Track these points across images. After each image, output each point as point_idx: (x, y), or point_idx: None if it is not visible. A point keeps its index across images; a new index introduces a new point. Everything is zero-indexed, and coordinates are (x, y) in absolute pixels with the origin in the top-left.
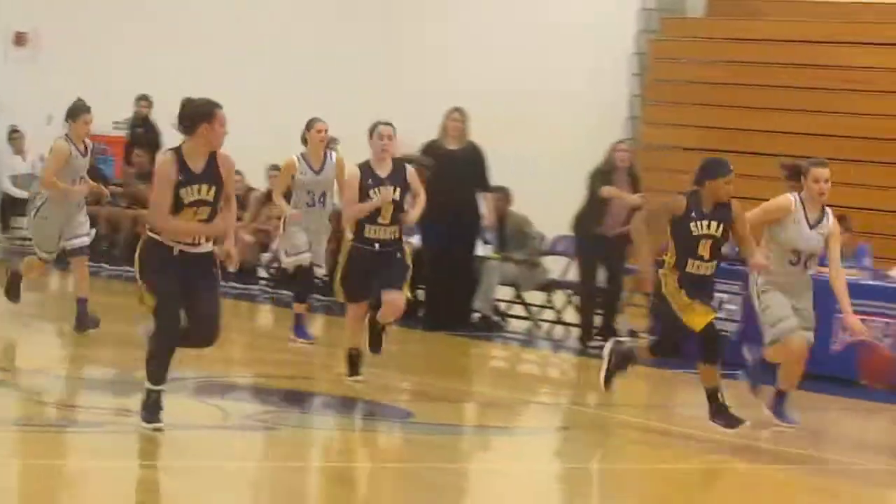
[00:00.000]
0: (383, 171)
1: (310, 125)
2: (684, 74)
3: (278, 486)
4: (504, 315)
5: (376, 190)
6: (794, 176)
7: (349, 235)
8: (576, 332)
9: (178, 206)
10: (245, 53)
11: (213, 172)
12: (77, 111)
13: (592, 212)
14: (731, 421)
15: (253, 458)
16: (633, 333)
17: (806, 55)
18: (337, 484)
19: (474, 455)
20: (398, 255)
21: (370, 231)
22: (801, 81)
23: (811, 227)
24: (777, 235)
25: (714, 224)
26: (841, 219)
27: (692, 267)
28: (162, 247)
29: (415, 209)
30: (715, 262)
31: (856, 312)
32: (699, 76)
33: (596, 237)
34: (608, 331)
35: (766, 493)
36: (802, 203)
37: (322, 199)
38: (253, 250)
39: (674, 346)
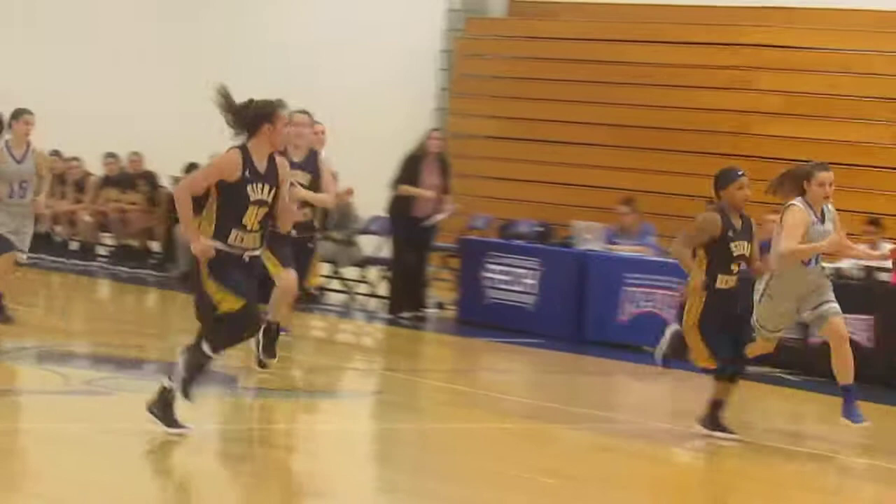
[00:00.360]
0: (297, 157)
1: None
2: (487, 70)
3: (114, 447)
4: (323, 289)
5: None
6: (797, 183)
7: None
8: (387, 304)
9: (243, 204)
10: (80, 46)
11: (273, 174)
12: (15, 113)
13: (404, 196)
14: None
15: (91, 421)
16: (440, 306)
17: (596, 52)
18: (169, 444)
19: (298, 416)
20: (310, 245)
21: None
22: (592, 76)
23: (822, 223)
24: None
25: (746, 244)
26: (874, 222)
27: (722, 283)
28: (231, 256)
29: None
30: (737, 276)
31: (641, 286)
32: (501, 71)
33: (407, 219)
34: (416, 303)
35: (557, 449)
36: (808, 205)
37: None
38: (93, 230)
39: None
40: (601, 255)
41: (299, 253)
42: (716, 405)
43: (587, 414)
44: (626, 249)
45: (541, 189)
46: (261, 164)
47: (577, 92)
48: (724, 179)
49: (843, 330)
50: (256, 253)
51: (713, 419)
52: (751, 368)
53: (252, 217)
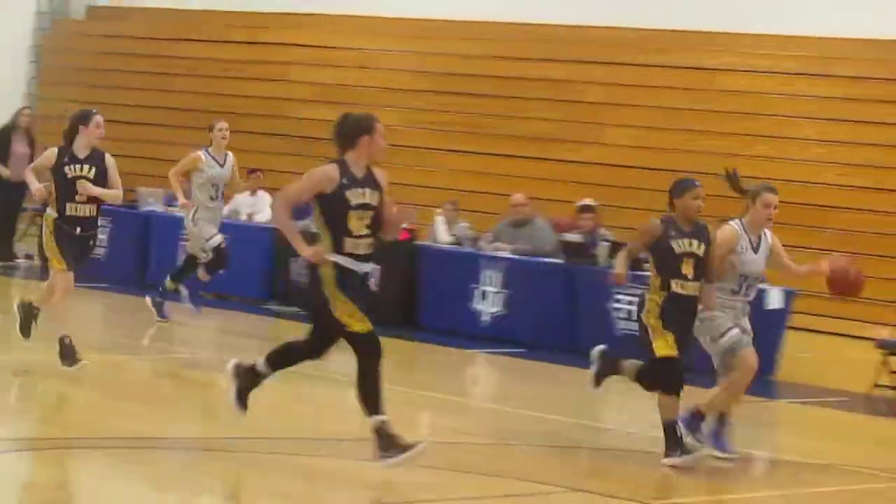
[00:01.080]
0: (82, 154)
1: (211, 126)
2: (71, 62)
3: None
4: None
5: (72, 167)
6: (739, 191)
7: (52, 213)
8: None
9: (344, 209)
10: None
11: (373, 181)
12: None
13: None
14: (684, 450)
15: None
16: (28, 257)
17: (159, 49)
18: None
19: None
20: (92, 242)
21: (71, 209)
22: (156, 68)
23: (755, 252)
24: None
25: (695, 242)
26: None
27: (678, 286)
28: (349, 272)
29: (109, 189)
30: (699, 283)
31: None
32: (82, 63)
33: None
34: (5, 254)
35: (131, 377)
36: (745, 229)
37: (221, 191)
38: None
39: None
40: (161, 216)
41: (85, 249)
42: (674, 427)
43: (153, 346)
44: (181, 212)
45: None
46: (359, 173)
47: (144, 81)
48: (680, 188)
49: (754, 362)
50: (368, 268)
51: (676, 442)
52: (280, 307)
53: (356, 222)
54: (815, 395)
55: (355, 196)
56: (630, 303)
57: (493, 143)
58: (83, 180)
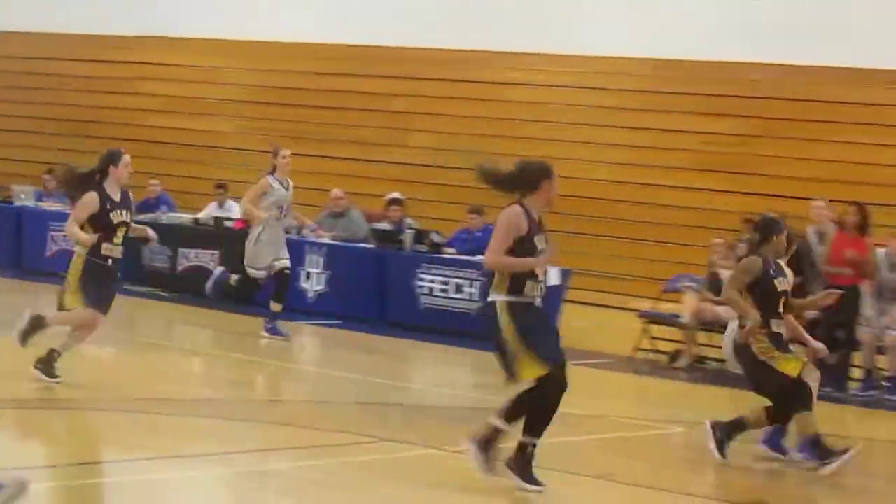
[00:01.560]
0: (117, 196)
1: (276, 153)
2: None
3: None
4: None
5: (117, 213)
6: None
7: (82, 251)
8: None
9: (531, 254)
10: None
11: (543, 227)
12: None
13: None
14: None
15: None
16: None
17: (27, 66)
18: None
19: None
20: (118, 275)
21: (106, 249)
22: (27, 83)
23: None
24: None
25: (785, 281)
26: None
27: (776, 327)
28: (531, 307)
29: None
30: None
31: (60, 231)
32: None
33: None
34: None
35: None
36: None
37: (286, 212)
38: None
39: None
40: (32, 210)
41: (112, 282)
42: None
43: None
44: (49, 205)
45: None
46: (537, 218)
47: (17, 94)
48: (778, 226)
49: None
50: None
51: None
52: (134, 287)
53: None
54: (588, 357)
55: (540, 242)
56: (431, 281)
57: (315, 146)
58: (123, 226)
